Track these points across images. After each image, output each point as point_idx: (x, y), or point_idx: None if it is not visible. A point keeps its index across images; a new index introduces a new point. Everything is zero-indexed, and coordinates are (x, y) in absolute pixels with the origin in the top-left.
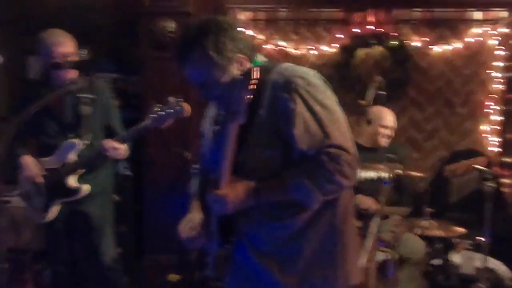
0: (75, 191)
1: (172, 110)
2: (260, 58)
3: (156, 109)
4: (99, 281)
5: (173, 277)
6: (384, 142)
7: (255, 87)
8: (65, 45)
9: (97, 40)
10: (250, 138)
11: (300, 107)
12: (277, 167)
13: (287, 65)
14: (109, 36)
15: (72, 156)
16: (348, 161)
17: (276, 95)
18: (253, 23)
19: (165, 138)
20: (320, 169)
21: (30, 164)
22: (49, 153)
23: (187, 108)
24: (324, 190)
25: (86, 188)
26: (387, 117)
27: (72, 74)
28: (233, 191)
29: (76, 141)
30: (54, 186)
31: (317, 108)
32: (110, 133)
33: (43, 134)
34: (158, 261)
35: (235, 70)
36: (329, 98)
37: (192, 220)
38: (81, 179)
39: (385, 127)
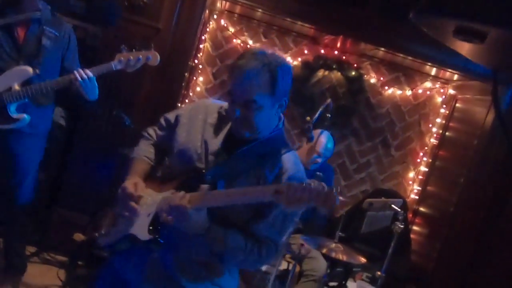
0: (15, 120)
1: (142, 55)
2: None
3: (125, 51)
4: (6, 222)
5: (78, 236)
6: (311, 165)
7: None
8: None
9: None
10: (238, 182)
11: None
12: (242, 221)
13: (296, 156)
14: None
15: (19, 84)
16: (271, 260)
17: (281, 179)
18: (228, 14)
19: (109, 98)
20: (254, 256)
21: None
22: None
23: (157, 56)
24: (244, 267)
25: (26, 118)
26: (327, 147)
27: (40, 4)
28: (195, 218)
29: (29, 68)
30: None
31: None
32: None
33: None
34: (68, 217)
35: (275, 110)
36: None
37: (139, 184)
38: (21, 111)
39: (319, 154)
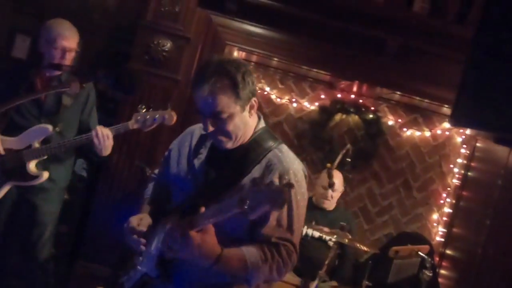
0: (34, 177)
1: (158, 115)
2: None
3: (142, 111)
4: (26, 277)
5: None
6: (327, 204)
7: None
8: (70, 40)
9: (91, 39)
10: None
11: None
12: (242, 232)
13: (286, 150)
14: (104, 39)
15: (39, 141)
16: (294, 260)
17: (269, 177)
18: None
19: (131, 149)
20: (277, 261)
21: None
22: (15, 133)
23: (173, 116)
24: (269, 278)
25: (45, 175)
26: (336, 181)
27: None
28: (201, 241)
29: (49, 127)
30: (11, 167)
31: (294, 206)
32: (83, 131)
33: (16, 113)
34: (91, 270)
35: (247, 112)
36: (305, 197)
37: (144, 219)
38: (40, 167)
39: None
